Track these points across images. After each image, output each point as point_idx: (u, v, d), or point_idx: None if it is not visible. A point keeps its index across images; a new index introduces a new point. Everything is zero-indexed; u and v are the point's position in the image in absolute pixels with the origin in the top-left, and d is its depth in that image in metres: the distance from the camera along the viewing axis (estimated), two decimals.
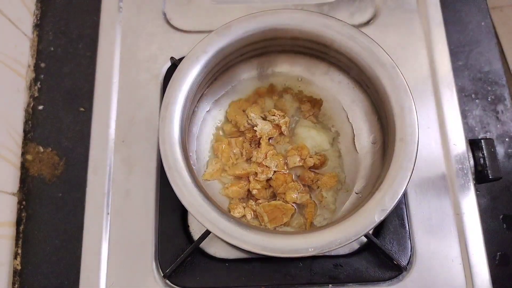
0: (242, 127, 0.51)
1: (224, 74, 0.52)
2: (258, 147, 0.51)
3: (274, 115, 0.51)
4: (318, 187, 0.50)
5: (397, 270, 0.50)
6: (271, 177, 0.50)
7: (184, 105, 0.44)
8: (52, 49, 0.61)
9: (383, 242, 0.51)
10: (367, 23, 0.60)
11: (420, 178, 0.53)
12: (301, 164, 0.50)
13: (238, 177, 0.51)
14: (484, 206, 0.54)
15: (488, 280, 0.50)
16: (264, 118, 0.52)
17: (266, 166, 0.49)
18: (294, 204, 0.50)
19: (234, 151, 0.51)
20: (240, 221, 0.41)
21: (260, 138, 0.51)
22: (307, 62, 0.52)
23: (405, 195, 0.53)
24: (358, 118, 0.51)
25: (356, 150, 0.51)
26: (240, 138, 0.51)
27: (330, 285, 0.50)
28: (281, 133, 0.51)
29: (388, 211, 0.40)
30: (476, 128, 0.58)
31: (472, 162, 0.54)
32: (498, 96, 0.59)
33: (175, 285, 0.50)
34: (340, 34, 0.46)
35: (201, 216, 0.40)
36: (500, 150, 0.56)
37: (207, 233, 0.49)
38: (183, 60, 0.45)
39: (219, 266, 0.51)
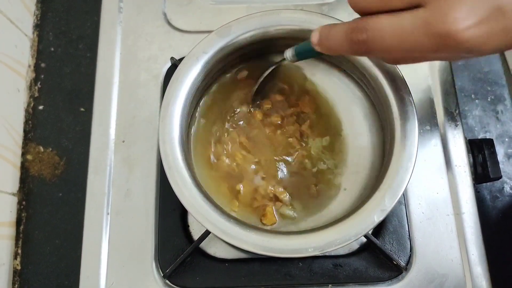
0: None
1: (224, 74, 0.52)
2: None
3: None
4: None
5: (397, 270, 0.50)
6: None
7: (184, 105, 0.44)
8: (52, 49, 0.61)
9: (382, 242, 0.51)
10: None
11: (420, 178, 0.53)
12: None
13: None
14: (484, 206, 0.54)
15: (488, 280, 0.51)
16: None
17: None
18: None
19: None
20: (240, 221, 0.41)
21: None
22: (307, 62, 0.52)
23: (404, 195, 0.53)
24: (358, 118, 0.51)
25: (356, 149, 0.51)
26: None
27: (330, 285, 0.50)
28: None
29: (387, 211, 0.40)
30: (476, 128, 0.58)
31: (472, 162, 0.54)
32: (498, 96, 0.59)
33: (175, 285, 0.50)
34: None
35: (201, 216, 0.40)
36: (500, 150, 0.57)
37: (207, 233, 0.49)
38: (183, 60, 0.45)
39: (219, 266, 0.51)
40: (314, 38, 0.36)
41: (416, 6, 0.29)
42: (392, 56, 0.35)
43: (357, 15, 0.34)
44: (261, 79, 0.50)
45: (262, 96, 0.51)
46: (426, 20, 0.28)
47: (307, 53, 0.42)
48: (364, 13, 0.32)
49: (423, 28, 0.29)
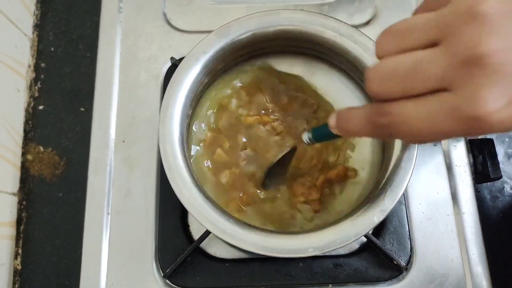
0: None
1: (224, 75, 0.52)
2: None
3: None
4: None
5: (397, 270, 0.50)
6: None
7: (184, 105, 0.44)
8: (52, 49, 0.61)
9: (383, 242, 0.51)
10: (367, 23, 0.60)
11: (420, 178, 0.53)
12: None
13: None
14: (484, 206, 0.54)
15: (488, 279, 0.51)
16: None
17: None
18: None
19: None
20: (240, 221, 0.41)
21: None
22: (307, 62, 0.52)
23: (404, 195, 0.53)
24: None
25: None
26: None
27: (330, 285, 0.50)
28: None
29: (387, 212, 0.40)
30: None
31: (472, 162, 0.54)
32: None
33: (175, 285, 0.50)
34: (340, 35, 0.46)
35: (201, 216, 0.40)
36: (500, 150, 0.56)
37: (207, 233, 0.49)
38: (183, 60, 0.45)
39: (219, 266, 0.51)
40: (332, 121, 0.35)
41: (440, 90, 0.28)
42: (418, 140, 0.33)
43: None
44: (272, 165, 0.48)
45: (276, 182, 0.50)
46: (454, 105, 0.27)
47: (325, 136, 0.41)
48: (385, 100, 0.30)
49: (452, 113, 0.27)
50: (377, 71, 0.30)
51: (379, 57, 0.31)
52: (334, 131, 0.35)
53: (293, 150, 0.48)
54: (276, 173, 0.49)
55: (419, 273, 0.50)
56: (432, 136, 0.29)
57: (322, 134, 0.41)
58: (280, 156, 0.48)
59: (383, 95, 0.30)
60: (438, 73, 0.27)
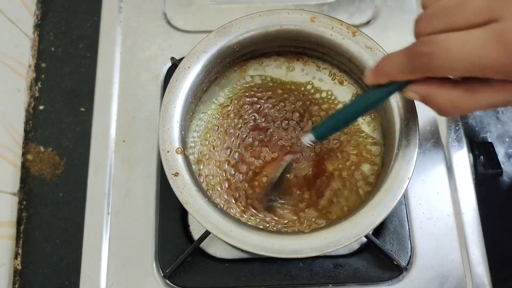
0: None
1: (224, 74, 0.52)
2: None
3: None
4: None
5: (397, 270, 0.50)
6: None
7: (184, 105, 0.44)
8: (52, 49, 0.61)
9: (383, 242, 0.51)
10: (367, 23, 0.60)
11: (420, 178, 0.53)
12: None
13: None
14: (484, 206, 0.54)
15: (488, 280, 0.50)
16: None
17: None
18: None
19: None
20: (240, 222, 0.41)
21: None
22: (307, 62, 0.52)
23: (405, 195, 0.53)
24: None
25: None
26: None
27: (330, 285, 0.50)
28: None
29: (388, 212, 0.40)
30: (476, 128, 0.58)
31: (472, 162, 0.54)
32: None
33: (175, 285, 0.50)
34: (340, 35, 0.46)
35: (201, 216, 0.40)
36: (500, 150, 0.56)
37: (207, 233, 0.49)
38: (183, 60, 0.45)
39: (219, 266, 0.51)
40: (368, 72, 0.36)
41: (486, 24, 0.28)
42: (457, 70, 0.31)
43: None
44: (274, 179, 0.46)
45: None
46: (500, 30, 0.27)
47: (331, 129, 0.40)
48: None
49: (496, 37, 0.27)
50: (426, 12, 0.31)
51: (424, 7, 0.31)
52: (368, 80, 0.35)
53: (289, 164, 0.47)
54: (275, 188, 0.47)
55: (419, 274, 0.50)
56: (470, 65, 0.28)
57: (327, 130, 0.40)
58: (278, 174, 0.46)
59: (431, 31, 0.30)
60: (483, 4, 0.28)
